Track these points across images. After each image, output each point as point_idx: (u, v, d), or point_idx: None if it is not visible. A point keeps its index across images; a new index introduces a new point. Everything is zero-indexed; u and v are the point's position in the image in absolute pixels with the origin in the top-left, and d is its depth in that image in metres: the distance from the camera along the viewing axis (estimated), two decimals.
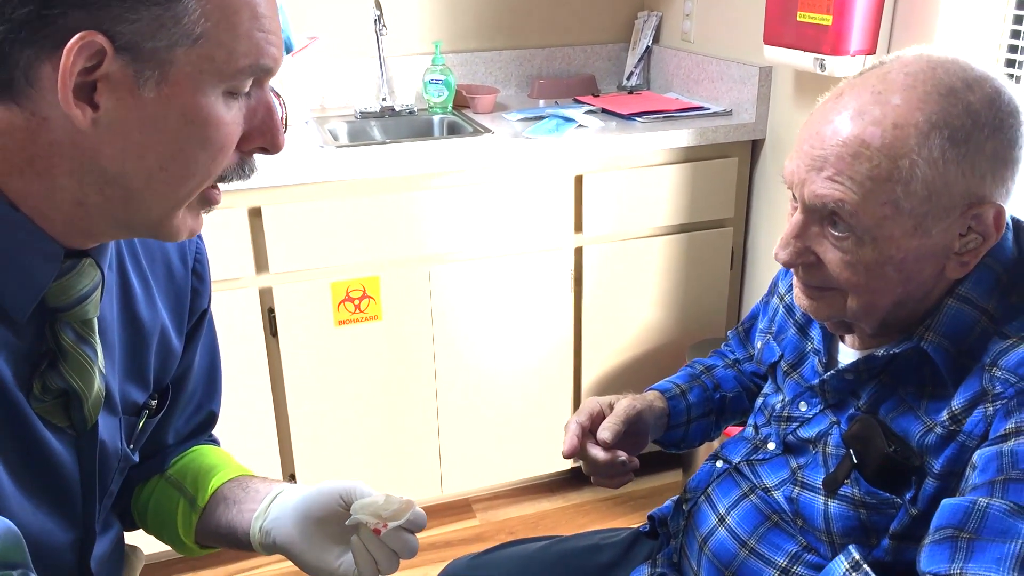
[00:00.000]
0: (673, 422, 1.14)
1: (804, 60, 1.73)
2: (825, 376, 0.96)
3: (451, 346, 2.05)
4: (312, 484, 0.87)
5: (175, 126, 0.65)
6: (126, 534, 0.98)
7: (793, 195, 0.87)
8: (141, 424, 0.87)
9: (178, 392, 0.94)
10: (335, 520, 0.83)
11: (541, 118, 2.15)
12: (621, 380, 2.23)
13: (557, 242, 2.05)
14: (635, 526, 1.20)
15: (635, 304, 2.18)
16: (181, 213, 0.71)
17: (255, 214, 1.81)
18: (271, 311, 1.89)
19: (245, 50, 0.65)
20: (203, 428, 1.01)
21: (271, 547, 0.86)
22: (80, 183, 0.66)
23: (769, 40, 1.84)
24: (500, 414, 2.16)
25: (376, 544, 0.81)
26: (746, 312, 2.28)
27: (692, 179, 2.10)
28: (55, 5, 0.59)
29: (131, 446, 0.86)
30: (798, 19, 1.73)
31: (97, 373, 0.75)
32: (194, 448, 1.00)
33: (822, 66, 1.68)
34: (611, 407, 1.08)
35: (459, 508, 2.28)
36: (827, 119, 0.83)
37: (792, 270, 0.92)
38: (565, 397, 2.21)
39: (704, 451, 1.96)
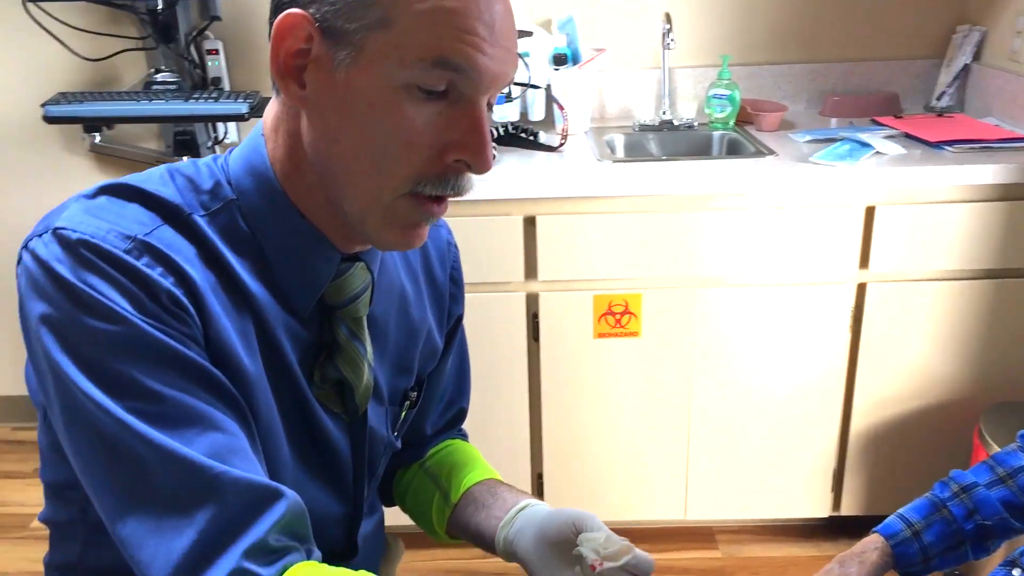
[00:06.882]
0: (903, 568, 1.04)
1: None
2: None
3: (711, 371, 1.99)
4: (554, 506, 0.90)
5: (361, 110, 0.67)
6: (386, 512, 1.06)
7: None
8: (404, 414, 0.94)
9: (433, 388, 1.01)
10: (566, 545, 0.85)
11: (833, 141, 2.01)
12: (894, 434, 2.03)
13: (839, 276, 1.91)
14: None
15: (922, 352, 1.96)
16: (382, 215, 0.72)
17: (530, 222, 1.87)
18: (535, 316, 1.95)
19: (427, 41, 0.65)
20: (454, 423, 1.08)
21: (512, 556, 0.90)
22: (318, 176, 0.72)
23: None
24: (756, 448, 2.05)
25: None
26: None
27: (1007, 220, 1.85)
28: None
29: (395, 433, 0.94)
30: None
31: (366, 366, 0.83)
32: (449, 443, 1.06)
33: None
34: None
35: (701, 536, 2.21)
36: None
37: None
38: (829, 441, 2.05)
39: None
